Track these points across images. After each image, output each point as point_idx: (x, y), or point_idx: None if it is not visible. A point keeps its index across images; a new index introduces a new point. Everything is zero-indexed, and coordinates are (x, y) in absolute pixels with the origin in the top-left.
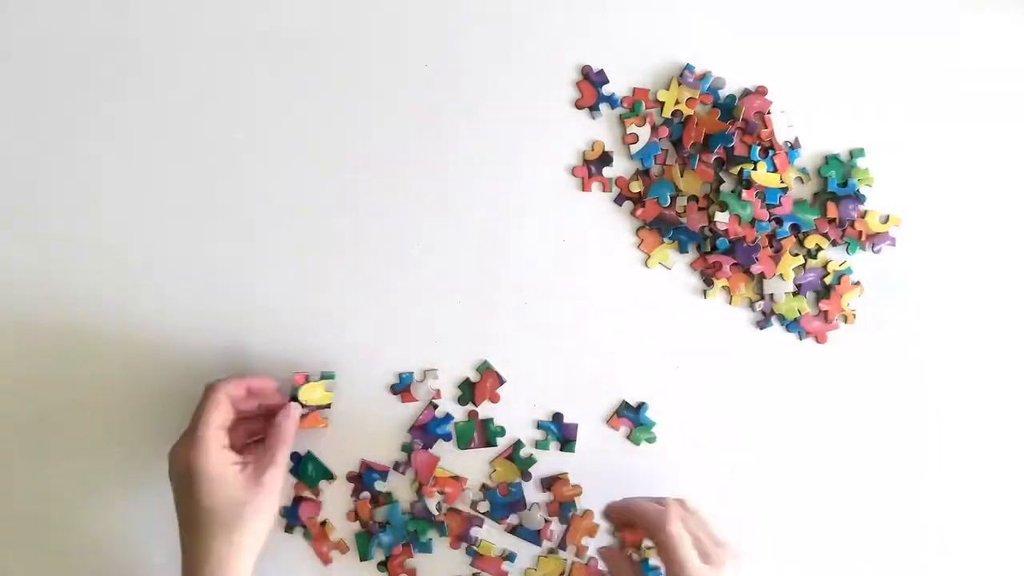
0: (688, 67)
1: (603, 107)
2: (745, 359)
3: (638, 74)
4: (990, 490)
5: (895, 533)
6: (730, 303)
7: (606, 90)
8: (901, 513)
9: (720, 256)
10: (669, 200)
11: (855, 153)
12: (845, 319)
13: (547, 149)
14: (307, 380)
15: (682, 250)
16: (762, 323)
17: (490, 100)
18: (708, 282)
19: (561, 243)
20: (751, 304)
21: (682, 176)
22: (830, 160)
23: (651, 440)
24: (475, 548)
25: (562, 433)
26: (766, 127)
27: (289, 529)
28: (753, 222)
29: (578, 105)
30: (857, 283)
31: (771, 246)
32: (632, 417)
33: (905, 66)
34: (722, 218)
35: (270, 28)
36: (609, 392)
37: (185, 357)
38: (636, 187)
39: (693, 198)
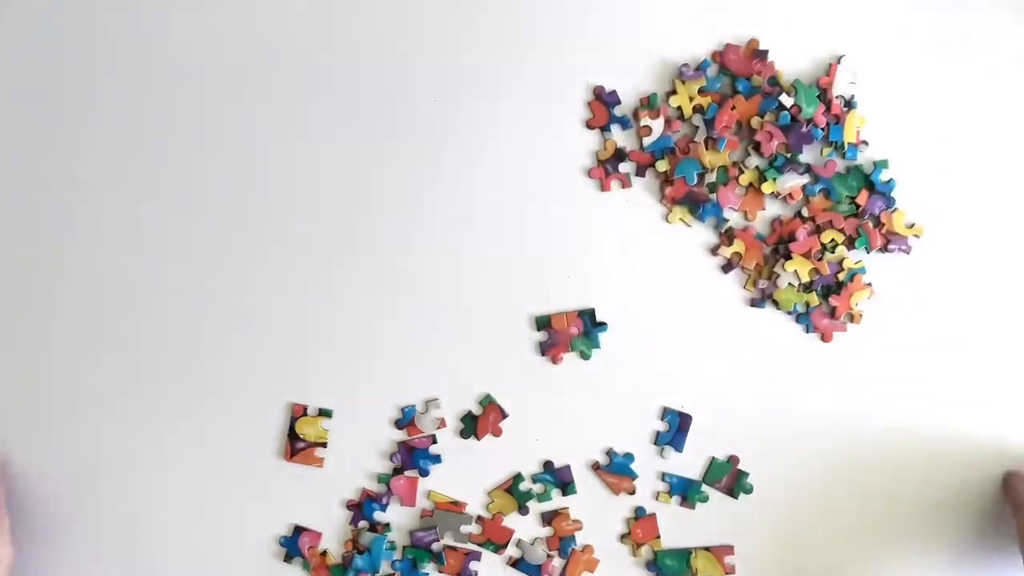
0: (683, 66)
1: (614, 128)
2: (744, 349)
3: (644, 82)
4: (992, 492)
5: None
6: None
7: (618, 111)
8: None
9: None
10: (696, 179)
11: (879, 165)
12: (852, 318)
13: (558, 162)
14: (305, 413)
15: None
16: (756, 302)
17: (500, 125)
18: (727, 241)
19: (566, 279)
20: (754, 282)
21: (707, 151)
22: (877, 164)
23: None
24: None
25: (558, 479)
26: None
27: (288, 559)
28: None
29: (589, 125)
30: (868, 284)
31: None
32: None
33: (933, 80)
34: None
35: (273, 49)
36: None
37: (180, 380)
38: (662, 166)
39: (723, 169)
